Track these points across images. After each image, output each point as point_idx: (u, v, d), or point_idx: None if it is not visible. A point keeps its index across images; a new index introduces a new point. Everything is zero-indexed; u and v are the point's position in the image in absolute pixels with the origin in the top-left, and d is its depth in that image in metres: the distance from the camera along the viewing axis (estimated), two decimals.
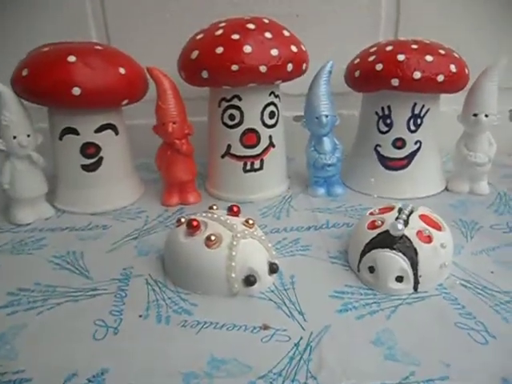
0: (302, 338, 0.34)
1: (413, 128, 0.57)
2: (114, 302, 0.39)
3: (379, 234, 0.41)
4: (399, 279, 0.40)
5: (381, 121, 0.59)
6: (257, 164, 0.58)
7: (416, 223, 0.42)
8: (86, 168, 0.55)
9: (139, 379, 0.31)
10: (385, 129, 0.58)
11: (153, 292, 0.40)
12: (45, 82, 0.49)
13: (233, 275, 0.39)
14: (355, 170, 0.63)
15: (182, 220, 0.44)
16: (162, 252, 0.46)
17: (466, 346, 0.33)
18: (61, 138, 0.54)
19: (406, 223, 0.41)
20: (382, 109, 0.58)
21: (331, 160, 0.59)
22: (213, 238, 0.40)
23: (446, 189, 0.62)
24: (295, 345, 0.34)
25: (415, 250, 0.40)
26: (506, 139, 0.68)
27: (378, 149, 0.60)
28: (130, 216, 0.56)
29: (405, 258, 0.39)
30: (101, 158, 0.56)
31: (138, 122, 0.72)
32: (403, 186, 0.60)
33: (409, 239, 0.40)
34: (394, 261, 0.39)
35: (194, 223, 0.41)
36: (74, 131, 0.54)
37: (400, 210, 0.44)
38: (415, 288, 0.40)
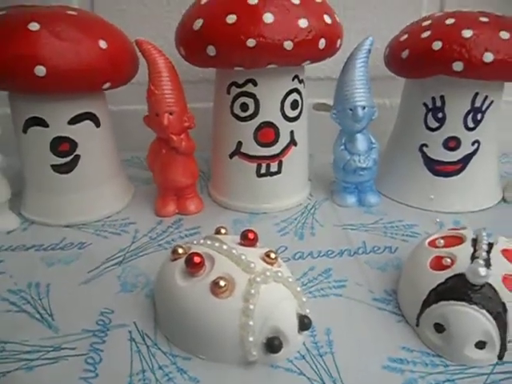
0: None
1: (471, 125, 0.46)
2: (82, 373, 0.28)
3: (449, 279, 0.30)
4: (480, 345, 0.29)
5: (430, 114, 0.47)
6: (274, 167, 0.46)
7: (500, 264, 0.31)
8: (57, 169, 0.43)
9: None
10: (435, 124, 0.46)
11: (138, 355, 0.29)
12: None
13: (250, 339, 0.28)
14: (392, 175, 0.51)
15: (180, 251, 0.32)
16: (153, 286, 0.35)
17: None
18: (25, 131, 0.42)
19: (487, 264, 0.30)
20: (433, 99, 0.46)
21: (366, 163, 0.47)
22: (222, 283, 0.28)
23: (503, 199, 0.51)
24: None
25: (503, 304, 0.29)
26: None
27: (425, 149, 0.48)
28: (114, 230, 0.45)
29: (489, 316, 0.28)
30: (77, 157, 0.44)
31: (127, 108, 0.60)
32: (453, 197, 0.48)
33: (493, 288, 0.29)
34: (474, 320, 0.28)
35: (196, 259, 0.30)
36: (42, 122, 0.42)
37: (475, 242, 0.32)
38: (500, 357, 0.29)
